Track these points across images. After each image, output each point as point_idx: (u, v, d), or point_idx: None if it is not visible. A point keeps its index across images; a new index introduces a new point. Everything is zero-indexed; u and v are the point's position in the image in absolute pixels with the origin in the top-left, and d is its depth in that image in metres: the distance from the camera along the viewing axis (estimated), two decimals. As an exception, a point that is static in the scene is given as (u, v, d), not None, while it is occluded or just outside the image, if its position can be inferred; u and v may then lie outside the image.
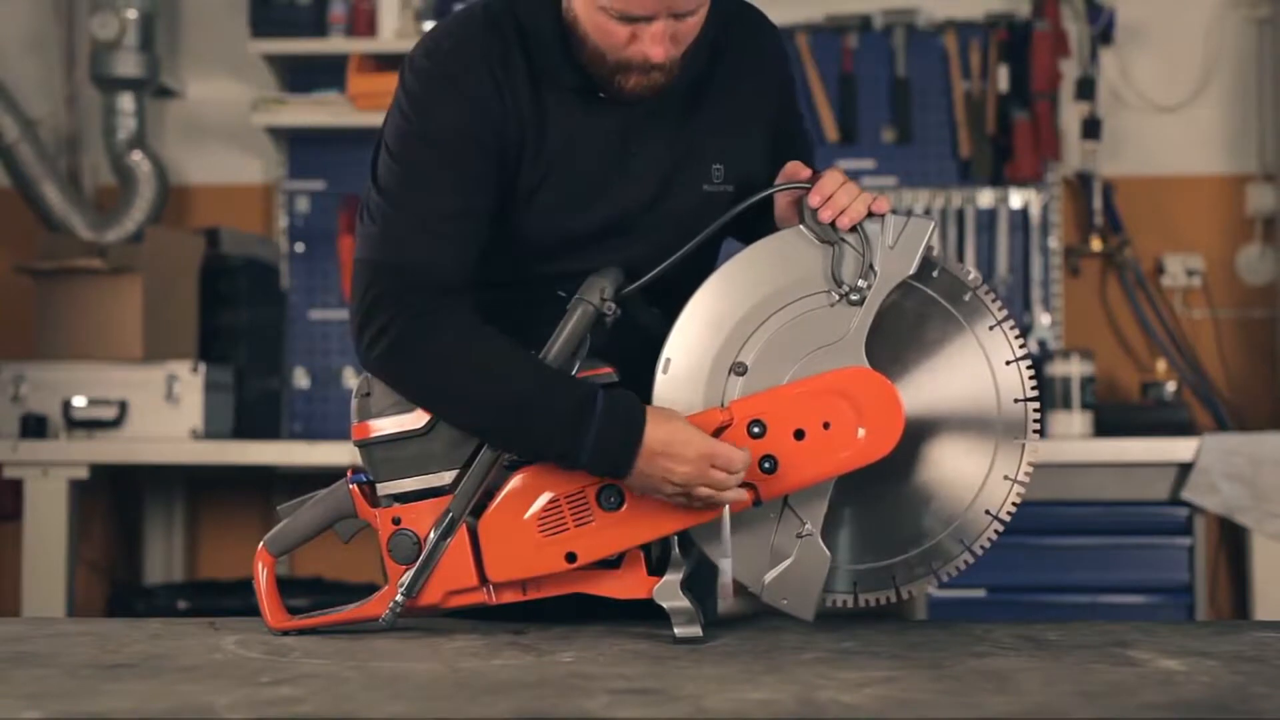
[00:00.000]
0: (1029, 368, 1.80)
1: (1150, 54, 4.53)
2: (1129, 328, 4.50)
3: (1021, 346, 1.80)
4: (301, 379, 4.65)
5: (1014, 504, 1.80)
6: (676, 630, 1.76)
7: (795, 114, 2.03)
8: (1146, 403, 4.16)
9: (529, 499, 1.78)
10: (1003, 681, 1.49)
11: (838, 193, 1.76)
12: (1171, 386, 4.18)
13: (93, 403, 4.03)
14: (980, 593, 3.78)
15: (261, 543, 1.86)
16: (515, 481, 1.78)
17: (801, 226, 1.78)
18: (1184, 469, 3.76)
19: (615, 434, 1.71)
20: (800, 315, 1.77)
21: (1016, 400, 1.79)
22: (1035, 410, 1.80)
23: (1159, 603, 3.77)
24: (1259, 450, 3.74)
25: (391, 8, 4.43)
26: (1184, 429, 3.94)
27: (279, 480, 4.49)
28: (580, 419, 1.71)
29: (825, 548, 1.78)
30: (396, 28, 4.42)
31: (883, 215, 1.76)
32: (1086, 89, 4.40)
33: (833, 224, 1.75)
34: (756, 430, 1.75)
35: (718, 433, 1.74)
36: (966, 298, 1.80)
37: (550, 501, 1.77)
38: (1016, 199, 4.45)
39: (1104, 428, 4.02)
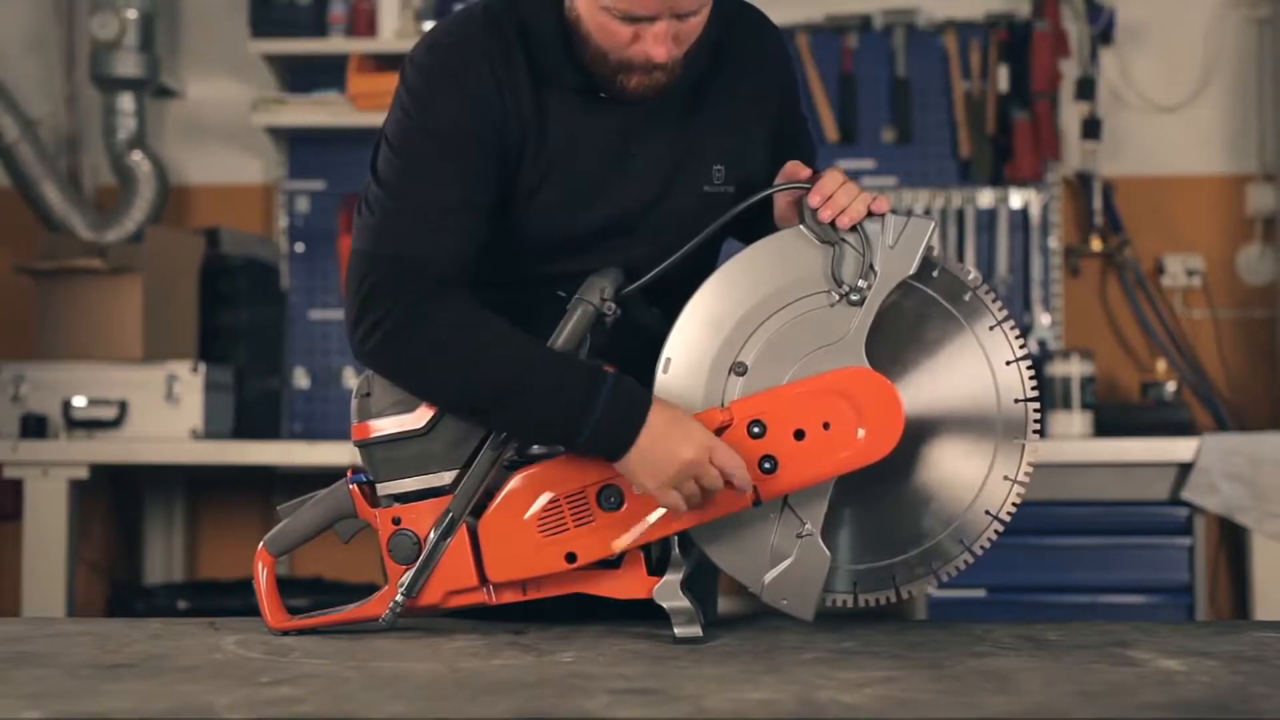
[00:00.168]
0: (1029, 368, 1.80)
1: (1150, 54, 4.53)
2: (1129, 328, 4.50)
3: (1021, 346, 1.80)
4: (301, 379, 4.65)
5: (1014, 504, 1.80)
6: (676, 630, 1.76)
7: (798, 116, 2.03)
8: (1146, 403, 4.16)
9: (529, 499, 1.78)
10: (1003, 681, 1.49)
11: (838, 192, 1.75)
12: (1171, 386, 4.18)
13: (93, 403, 4.03)
14: (980, 593, 3.78)
15: (261, 543, 1.86)
16: (515, 481, 1.78)
17: (801, 226, 1.77)
18: (1184, 469, 3.76)
19: (621, 407, 1.71)
20: (800, 315, 1.76)
21: (1016, 400, 1.79)
22: (1035, 410, 1.79)
23: (1159, 603, 3.77)
24: (1259, 450, 3.73)
25: (391, 8, 4.42)
26: (1184, 429, 3.94)
27: (279, 480, 4.49)
28: (587, 392, 1.71)
29: (825, 548, 1.78)
30: (396, 28, 4.41)
31: (883, 215, 1.76)
32: (1086, 89, 4.40)
33: (833, 224, 1.75)
34: (756, 430, 1.74)
35: (718, 433, 1.73)
36: (966, 298, 1.80)
37: (550, 501, 1.77)
38: (1016, 199, 4.44)
39: (1104, 428, 4.01)
